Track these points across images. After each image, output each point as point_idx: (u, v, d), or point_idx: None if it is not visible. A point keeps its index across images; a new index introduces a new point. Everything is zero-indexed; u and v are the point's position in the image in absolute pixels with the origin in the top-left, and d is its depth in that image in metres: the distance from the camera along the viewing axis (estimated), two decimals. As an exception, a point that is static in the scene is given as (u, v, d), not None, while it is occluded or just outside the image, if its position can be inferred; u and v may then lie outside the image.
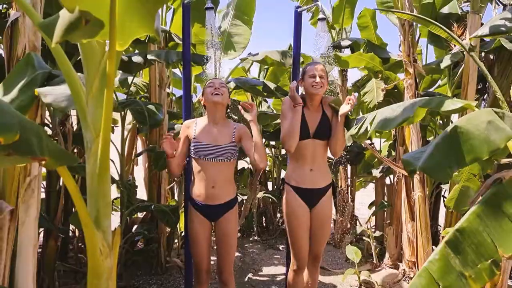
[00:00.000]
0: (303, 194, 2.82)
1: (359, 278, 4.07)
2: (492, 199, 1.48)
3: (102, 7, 0.88)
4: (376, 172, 5.07)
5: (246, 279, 4.25)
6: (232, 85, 4.72)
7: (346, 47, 5.18)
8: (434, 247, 3.98)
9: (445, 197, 4.81)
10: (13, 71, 1.74)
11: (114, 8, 0.88)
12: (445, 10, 4.73)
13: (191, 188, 2.78)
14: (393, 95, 4.78)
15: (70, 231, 4.44)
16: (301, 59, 4.45)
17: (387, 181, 5.35)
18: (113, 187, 4.97)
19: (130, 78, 4.39)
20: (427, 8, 4.55)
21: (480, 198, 1.55)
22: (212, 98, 2.68)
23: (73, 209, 4.32)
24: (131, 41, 1.04)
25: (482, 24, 3.89)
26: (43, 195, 2.96)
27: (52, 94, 1.50)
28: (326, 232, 2.94)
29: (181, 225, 4.47)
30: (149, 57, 3.59)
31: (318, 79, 2.77)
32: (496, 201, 1.46)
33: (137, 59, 3.60)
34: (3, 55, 3.26)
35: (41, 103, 1.80)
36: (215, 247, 2.85)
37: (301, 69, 3.05)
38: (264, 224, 5.91)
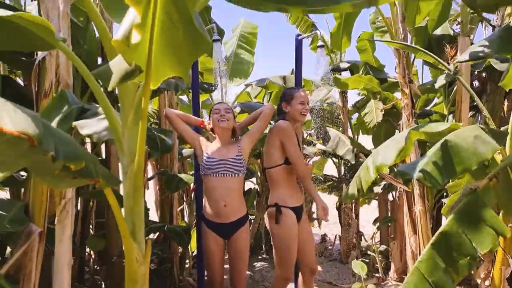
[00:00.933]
0: (297, 212, 3.00)
1: (365, 291, 4.21)
2: (468, 205, 1.69)
3: (142, 55, 1.10)
4: (378, 189, 5.25)
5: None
6: (237, 109, 4.95)
7: (345, 69, 5.42)
8: (437, 259, 4.13)
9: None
10: (48, 107, 1.97)
11: (151, 57, 1.10)
12: (438, 32, 4.97)
13: (204, 207, 2.95)
14: (391, 115, 5.00)
15: (86, 253, 4.62)
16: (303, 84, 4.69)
17: (390, 197, 5.52)
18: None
19: (141, 106, 4.62)
20: (420, 32, 4.80)
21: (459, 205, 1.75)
22: (219, 124, 2.90)
23: (89, 233, 4.51)
24: (161, 81, 1.26)
25: (472, 44, 4.14)
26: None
27: (88, 126, 1.72)
28: (313, 241, 3.21)
29: (192, 245, 4.64)
30: (160, 86, 3.83)
31: (307, 107, 3.00)
32: (471, 207, 1.67)
33: (148, 88, 3.84)
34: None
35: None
36: (228, 264, 3.03)
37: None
38: (272, 243, 6.05)
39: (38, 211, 2.47)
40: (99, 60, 3.71)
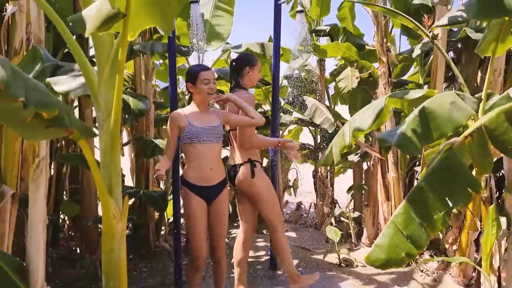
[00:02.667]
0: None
1: (339, 256, 4.31)
2: (444, 161, 1.74)
3: (119, 2, 1.05)
4: (353, 157, 5.32)
5: (232, 261, 4.45)
6: (215, 75, 4.89)
7: (325, 33, 5.36)
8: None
9: (418, 179, 5.10)
10: (21, 63, 1.89)
11: (129, 5, 1.06)
12: (417, 1, 4.95)
13: (188, 172, 2.90)
14: (368, 83, 5.02)
15: (60, 219, 4.57)
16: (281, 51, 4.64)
17: (365, 166, 5.61)
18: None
19: (115, 70, 4.51)
20: (398, 0, 4.79)
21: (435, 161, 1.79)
22: (207, 97, 2.89)
23: (63, 199, 4.46)
24: (139, 32, 1.22)
25: (450, 14, 4.16)
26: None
27: (61, 83, 1.66)
28: None
29: (168, 212, 4.64)
30: (135, 48, 3.73)
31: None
32: (447, 163, 1.72)
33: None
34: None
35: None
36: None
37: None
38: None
39: (10, 173, 2.42)
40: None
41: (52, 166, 4.05)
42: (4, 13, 2.45)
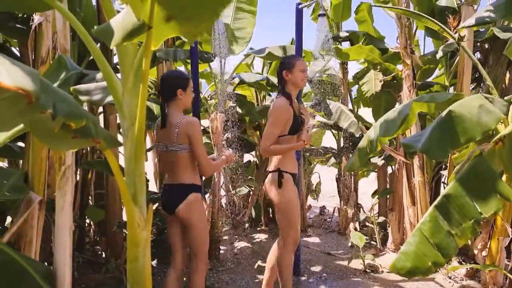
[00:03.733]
0: (294, 179, 3.10)
1: (363, 262, 4.25)
2: (474, 168, 1.68)
3: (143, 13, 1.06)
4: (377, 160, 5.24)
5: (256, 266, 4.44)
6: (236, 80, 4.90)
7: (345, 39, 5.32)
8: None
9: (445, 183, 4.99)
10: (46, 73, 1.93)
11: (152, 16, 1.07)
12: (442, 3, 4.86)
13: (197, 180, 2.92)
14: (392, 86, 4.95)
15: (86, 224, 4.64)
16: (303, 54, 4.59)
17: (389, 170, 5.53)
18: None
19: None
20: (423, 1, 4.71)
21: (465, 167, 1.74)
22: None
23: (89, 204, 4.53)
24: (162, 42, 1.23)
25: (476, 15, 4.06)
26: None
27: (86, 90, 1.68)
28: None
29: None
30: (158, 55, 3.77)
31: (307, 74, 3.06)
32: (477, 169, 1.66)
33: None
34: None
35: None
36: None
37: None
38: (271, 215, 6.09)
39: (37, 180, 2.46)
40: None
41: (78, 172, 4.12)
42: (31, 23, 2.51)
